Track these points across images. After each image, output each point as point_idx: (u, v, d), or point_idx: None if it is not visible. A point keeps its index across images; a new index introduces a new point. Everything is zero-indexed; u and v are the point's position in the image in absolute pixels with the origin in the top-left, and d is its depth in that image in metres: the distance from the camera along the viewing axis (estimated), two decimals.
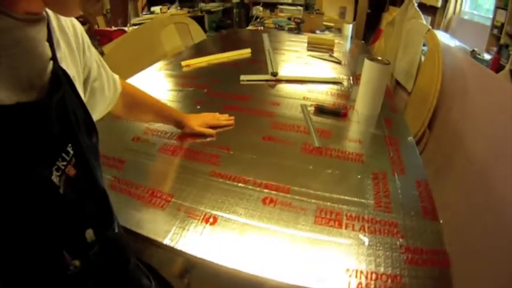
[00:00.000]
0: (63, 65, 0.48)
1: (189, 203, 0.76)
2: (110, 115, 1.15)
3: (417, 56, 2.40)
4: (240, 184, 0.83)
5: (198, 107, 1.24)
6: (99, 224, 0.51)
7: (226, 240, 0.68)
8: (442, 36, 3.41)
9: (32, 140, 0.39)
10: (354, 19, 3.99)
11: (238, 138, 1.04)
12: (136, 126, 1.09)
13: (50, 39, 0.45)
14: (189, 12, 4.30)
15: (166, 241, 0.68)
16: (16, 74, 0.38)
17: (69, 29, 0.52)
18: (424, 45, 2.36)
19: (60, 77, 0.46)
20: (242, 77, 1.51)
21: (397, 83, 2.78)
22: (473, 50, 3.58)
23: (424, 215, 0.78)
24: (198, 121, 1.04)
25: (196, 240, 0.68)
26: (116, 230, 0.56)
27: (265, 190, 0.81)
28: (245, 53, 1.92)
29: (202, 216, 0.73)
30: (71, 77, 0.48)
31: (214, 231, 0.69)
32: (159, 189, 0.81)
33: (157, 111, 0.98)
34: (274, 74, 1.52)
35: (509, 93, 1.52)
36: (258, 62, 1.77)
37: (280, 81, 1.51)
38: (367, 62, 1.22)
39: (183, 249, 0.66)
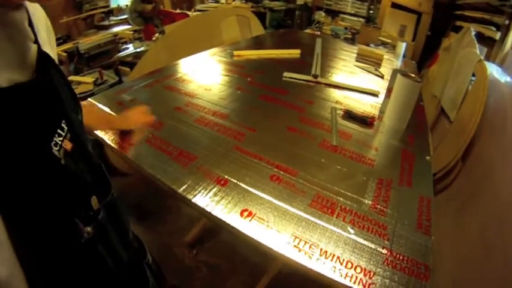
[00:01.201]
0: (45, 49, 0.50)
1: (208, 166, 0.89)
2: (163, 85, 1.31)
3: (464, 85, 2.36)
4: (255, 160, 0.94)
5: (239, 92, 1.37)
6: (100, 191, 0.57)
7: (229, 200, 0.79)
8: (494, 70, 3.29)
9: (30, 118, 0.41)
10: (413, 39, 3.94)
11: (266, 124, 1.15)
12: (181, 98, 1.23)
13: (30, 24, 0.47)
14: (252, 7, 4.45)
15: (180, 190, 0.81)
16: (5, 56, 0.40)
17: (40, 20, 0.55)
18: (473, 75, 2.33)
19: (46, 58, 0.49)
20: (285, 74, 1.61)
21: (442, 110, 2.75)
22: None
23: (418, 227, 0.82)
24: (133, 118, 1.01)
25: (205, 195, 0.80)
26: (115, 195, 0.64)
27: (275, 169, 0.91)
28: (294, 53, 2.01)
29: (215, 178, 0.85)
30: (53, 58, 0.52)
31: (221, 191, 0.81)
32: (186, 150, 0.94)
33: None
34: (315, 76, 1.61)
35: None
36: (305, 64, 1.86)
37: (319, 83, 1.60)
38: (399, 77, 1.28)
39: (192, 199, 0.78)
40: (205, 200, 0.79)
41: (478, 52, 2.53)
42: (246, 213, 0.76)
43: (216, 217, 0.75)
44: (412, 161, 1.10)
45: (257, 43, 2.29)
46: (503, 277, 1.22)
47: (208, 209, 0.76)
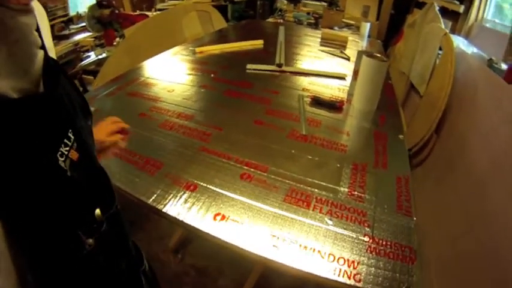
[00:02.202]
0: (52, 53, 0.49)
1: (176, 172, 0.85)
2: (126, 92, 1.26)
3: (432, 59, 2.40)
4: (223, 160, 0.91)
5: (203, 90, 1.33)
6: (104, 202, 0.55)
7: (200, 206, 0.76)
8: (460, 42, 3.36)
9: (37, 129, 0.40)
10: (378, 19, 3.97)
11: (232, 120, 1.12)
12: (145, 103, 1.19)
13: (37, 28, 0.45)
14: (213, 0, 4.37)
15: (150, 201, 0.77)
16: (12, 62, 0.39)
17: (42, 21, 0.54)
18: (440, 49, 2.36)
19: (53, 65, 0.47)
20: (249, 66, 1.58)
21: (412, 86, 2.79)
22: (491, 59, 3.52)
23: (398, 209, 0.81)
24: (103, 133, 0.90)
25: (176, 203, 0.76)
26: (118, 207, 0.61)
27: (245, 167, 0.89)
28: (257, 43, 1.99)
29: (184, 183, 0.81)
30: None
31: (192, 197, 0.78)
32: (153, 158, 0.90)
33: None
34: (280, 65, 1.59)
35: None
36: (269, 53, 1.83)
37: (284, 72, 1.58)
38: (364, 58, 1.27)
39: (163, 209, 0.75)
40: (177, 208, 0.75)
41: (443, 26, 2.57)
42: (219, 217, 0.73)
43: (188, 225, 0.72)
44: (385, 142, 1.10)
45: (220, 37, 2.25)
46: (487, 247, 1.25)
47: (180, 217, 0.73)
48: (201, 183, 0.82)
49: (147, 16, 3.35)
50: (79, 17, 3.79)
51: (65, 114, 0.46)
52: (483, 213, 1.34)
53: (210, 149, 0.95)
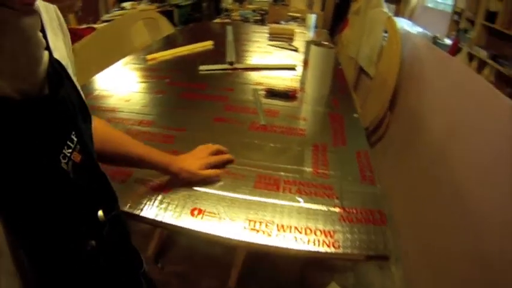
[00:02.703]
0: (56, 55, 0.48)
1: (145, 176, 0.87)
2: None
3: (378, 42, 2.53)
4: None
5: (159, 95, 1.35)
6: (106, 204, 0.55)
7: (176, 204, 0.79)
8: (404, 24, 3.57)
9: (40, 131, 0.40)
10: (323, 9, 4.11)
11: (193, 121, 1.15)
12: (103, 115, 1.18)
13: (42, 29, 0.45)
14: (158, 7, 4.34)
15: (126, 208, 0.78)
16: (17, 64, 0.39)
17: (52, 20, 0.53)
18: (385, 32, 2.50)
19: (57, 67, 0.47)
20: (201, 67, 1.61)
21: (361, 69, 2.93)
22: (435, 36, 3.75)
23: (362, 180, 0.88)
24: (196, 163, 0.86)
25: (152, 206, 0.79)
26: (120, 209, 0.62)
27: None
28: (207, 44, 2.01)
29: (157, 186, 0.84)
30: (64, 65, 0.50)
31: (166, 198, 0.80)
32: (120, 167, 0.91)
33: (134, 152, 0.80)
34: (231, 63, 1.63)
35: (463, 74, 1.66)
36: (219, 53, 1.86)
37: (236, 69, 1.62)
38: (313, 47, 1.34)
39: (140, 214, 0.77)
40: (153, 210, 0.77)
41: (386, 10, 2.71)
42: (196, 212, 0.76)
43: (168, 224, 0.74)
44: (341, 122, 1.17)
45: (169, 43, 2.25)
46: (450, 203, 1.35)
47: (158, 218, 0.75)
48: (172, 183, 0.84)
49: (94, 29, 3.27)
50: None
51: (68, 116, 0.46)
52: (444, 174, 1.46)
53: (175, 150, 0.96)
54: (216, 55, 1.84)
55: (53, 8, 0.53)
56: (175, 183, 0.84)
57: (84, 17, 4.05)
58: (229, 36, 2.17)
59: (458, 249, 1.24)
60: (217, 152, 0.92)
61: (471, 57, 3.29)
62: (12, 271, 0.39)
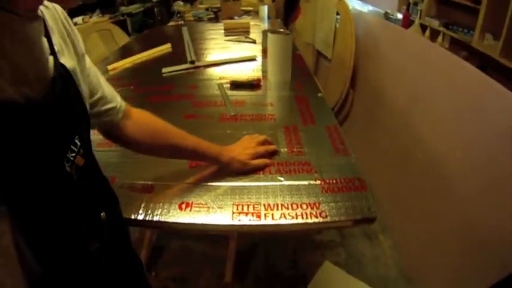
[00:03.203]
0: (62, 59, 0.49)
1: (129, 180, 0.88)
2: None
3: (332, 25, 2.59)
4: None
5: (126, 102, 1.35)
6: (108, 206, 0.57)
7: (163, 202, 0.80)
8: (355, 4, 3.67)
9: (45, 135, 0.41)
10: (273, 0, 4.15)
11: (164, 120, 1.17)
12: None
13: (47, 34, 0.46)
14: (110, 18, 4.25)
15: None
16: (22, 69, 0.39)
17: (57, 23, 0.52)
18: (338, 14, 2.57)
19: (62, 72, 0.47)
20: (164, 70, 1.62)
21: (319, 53, 3.00)
22: (386, 12, 3.87)
23: (336, 152, 0.93)
24: (245, 154, 0.88)
25: (138, 206, 0.80)
26: (121, 211, 0.64)
27: None
28: (165, 48, 2.01)
29: (140, 188, 0.85)
30: (70, 70, 0.50)
31: (152, 198, 0.82)
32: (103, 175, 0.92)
33: (185, 143, 0.81)
34: (192, 62, 1.65)
35: (418, 44, 1.74)
36: (179, 55, 1.87)
37: (198, 67, 1.65)
38: (270, 36, 1.38)
39: (131, 217, 0.78)
40: (141, 212, 0.79)
41: None
42: (184, 206, 0.78)
43: (158, 222, 0.76)
44: (307, 103, 1.22)
45: (126, 51, 2.22)
46: (419, 164, 1.43)
47: (148, 218, 0.77)
48: (156, 182, 0.86)
49: None
50: None
51: (72, 120, 0.47)
52: (411, 141, 1.54)
53: None
54: (176, 57, 1.84)
55: (60, 11, 0.53)
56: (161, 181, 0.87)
57: None
58: (186, 37, 2.18)
59: (436, 209, 1.32)
60: (264, 142, 0.94)
61: (424, 28, 3.42)
62: (18, 273, 0.39)
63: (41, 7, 0.45)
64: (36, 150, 0.39)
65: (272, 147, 0.94)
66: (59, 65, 0.47)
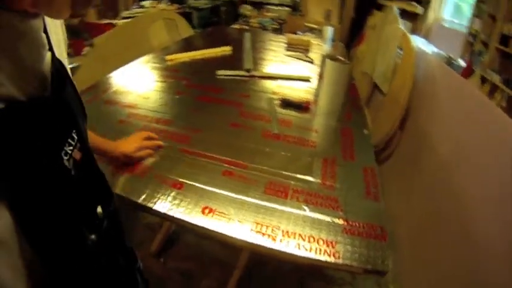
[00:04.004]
0: (57, 53, 0.50)
1: (163, 172, 0.91)
2: (102, 100, 1.30)
3: (393, 59, 2.54)
4: (204, 159, 0.98)
5: (177, 96, 1.40)
6: (104, 200, 0.58)
7: (189, 201, 0.83)
8: (420, 42, 3.58)
9: (44, 129, 0.41)
10: (340, 22, 4.15)
11: (209, 123, 1.20)
12: (122, 111, 1.23)
13: (45, 30, 0.46)
14: (178, 8, 4.41)
15: (140, 200, 0.83)
16: (22, 65, 0.40)
17: (53, 21, 0.53)
18: (400, 49, 2.52)
19: (59, 67, 0.48)
20: (219, 72, 1.66)
21: (375, 85, 2.95)
22: (449, 56, 3.75)
23: (367, 195, 0.91)
24: (131, 147, 0.95)
25: (165, 200, 0.83)
26: (116, 204, 0.65)
27: (225, 165, 0.96)
28: (226, 50, 2.06)
29: (171, 183, 0.88)
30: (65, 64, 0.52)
31: (179, 194, 0.85)
32: (139, 161, 0.96)
33: None
34: (248, 70, 1.68)
35: (474, 99, 1.68)
36: (237, 59, 1.91)
37: (253, 76, 1.66)
38: (328, 62, 1.38)
39: (153, 207, 0.81)
40: (166, 205, 0.81)
41: (402, 27, 2.74)
42: (207, 211, 0.80)
43: (179, 219, 0.78)
44: (351, 137, 1.20)
45: (188, 44, 2.30)
46: (455, 224, 1.37)
47: (170, 213, 0.79)
48: (187, 181, 0.89)
49: (114, 25, 3.34)
50: None
51: (69, 114, 0.48)
52: (447, 199, 1.47)
53: (191, 150, 1.01)
54: (234, 61, 1.88)
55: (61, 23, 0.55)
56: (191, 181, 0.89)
57: (103, 12, 4.13)
58: (247, 44, 2.22)
59: (458, 276, 1.26)
60: (147, 138, 1.01)
61: (484, 80, 3.29)
62: (17, 265, 0.40)
63: None
64: (34, 144, 0.40)
65: (157, 142, 1.02)
66: (56, 61, 0.48)
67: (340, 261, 0.71)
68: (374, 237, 0.77)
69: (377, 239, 0.77)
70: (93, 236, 0.51)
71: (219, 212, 0.80)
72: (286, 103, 1.37)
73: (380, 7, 3.95)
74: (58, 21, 0.55)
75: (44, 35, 0.45)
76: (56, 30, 0.53)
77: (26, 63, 0.41)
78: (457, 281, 1.26)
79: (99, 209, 0.55)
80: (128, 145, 0.95)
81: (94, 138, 0.86)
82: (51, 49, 0.47)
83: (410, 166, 2.02)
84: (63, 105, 0.47)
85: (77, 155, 0.48)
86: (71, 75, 0.55)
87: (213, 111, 1.30)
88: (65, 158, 0.44)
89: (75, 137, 0.48)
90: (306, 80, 1.70)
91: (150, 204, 0.82)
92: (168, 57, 1.83)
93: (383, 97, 2.68)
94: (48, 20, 0.49)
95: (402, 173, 2.09)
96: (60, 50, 0.54)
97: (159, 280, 1.61)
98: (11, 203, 0.37)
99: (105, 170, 0.90)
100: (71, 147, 0.46)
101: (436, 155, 1.73)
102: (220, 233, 0.76)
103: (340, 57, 1.42)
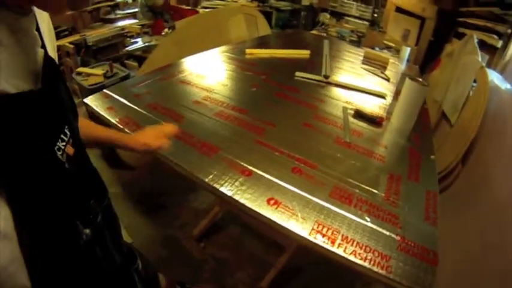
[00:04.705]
0: (49, 50, 0.51)
1: (232, 157, 0.94)
2: (178, 80, 1.35)
3: (466, 90, 2.43)
4: (276, 153, 1.00)
5: (254, 89, 1.43)
6: (97, 195, 0.59)
7: (256, 189, 0.84)
8: (495, 77, 3.38)
9: (35, 123, 0.42)
10: (417, 44, 4.02)
11: (283, 119, 1.21)
12: (198, 92, 1.28)
13: (37, 28, 0.47)
14: (258, 5, 4.50)
15: (207, 180, 0.86)
16: (15, 62, 0.41)
17: (43, 19, 0.54)
18: (475, 81, 2.41)
19: (51, 64, 0.49)
20: (297, 73, 1.67)
21: (443, 114, 2.83)
22: None
23: (426, 219, 0.89)
24: (147, 136, 0.90)
25: (232, 184, 0.85)
26: (110, 200, 0.66)
27: (296, 162, 0.97)
28: (304, 53, 2.07)
29: (240, 169, 0.90)
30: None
31: (247, 181, 0.87)
32: (209, 142, 0.99)
33: (103, 135, 0.84)
34: (326, 77, 1.67)
35: None
36: (314, 64, 1.92)
37: (330, 83, 1.66)
38: (407, 81, 1.34)
39: (219, 189, 0.84)
40: (232, 189, 0.84)
41: (479, 59, 2.61)
42: (272, 202, 0.81)
43: (243, 205, 0.80)
44: (418, 159, 1.16)
45: (264, 43, 2.34)
46: (501, 273, 1.29)
47: (236, 197, 0.82)
48: (256, 171, 0.91)
49: (197, 12, 3.47)
50: (126, 4, 3.95)
51: (61, 110, 0.50)
52: (501, 242, 1.38)
53: (264, 142, 1.03)
54: (311, 65, 1.89)
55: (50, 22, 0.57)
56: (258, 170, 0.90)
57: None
58: (326, 50, 2.22)
59: None
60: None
61: None
62: (18, 256, 0.40)
63: None
64: (27, 138, 0.40)
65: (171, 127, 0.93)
66: (48, 58, 0.49)
67: (391, 275, 0.70)
68: (426, 260, 0.76)
69: (428, 262, 0.75)
70: (87, 231, 0.52)
71: (284, 206, 0.81)
72: (360, 114, 1.35)
73: (459, 35, 3.79)
74: (46, 20, 0.56)
75: (36, 33, 0.46)
76: (44, 29, 0.54)
77: (19, 60, 0.42)
78: None
79: (92, 203, 0.56)
80: (145, 134, 0.91)
81: (115, 133, 0.88)
82: (43, 46, 0.48)
83: (466, 203, 1.92)
84: (55, 101, 0.48)
85: (70, 150, 0.49)
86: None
87: (288, 108, 1.31)
88: (59, 153, 0.45)
89: (68, 133, 0.49)
90: (382, 96, 1.67)
91: (216, 185, 0.85)
92: (248, 50, 1.87)
93: (449, 127, 2.56)
94: (39, 20, 0.50)
95: (456, 209, 1.98)
96: (50, 48, 0.54)
97: (195, 262, 1.66)
98: (8, 195, 0.38)
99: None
100: (64, 143, 0.47)
101: (495, 195, 1.63)
102: (282, 226, 0.77)
103: (419, 79, 1.37)
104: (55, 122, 0.47)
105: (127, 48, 3.07)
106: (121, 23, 3.57)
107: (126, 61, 3.15)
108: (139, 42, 3.13)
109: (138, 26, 3.37)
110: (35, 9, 0.48)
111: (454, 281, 1.59)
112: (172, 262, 1.64)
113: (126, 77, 2.43)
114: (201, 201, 1.99)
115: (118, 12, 3.86)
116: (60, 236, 0.47)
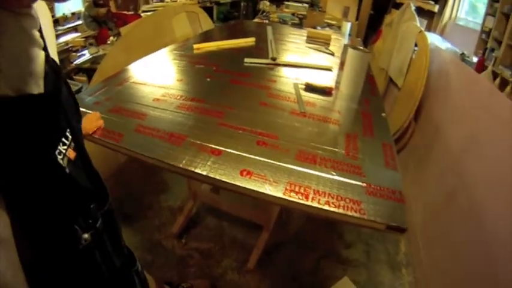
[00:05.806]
0: (51, 52, 0.50)
1: (200, 141, 1.00)
2: (134, 82, 1.38)
3: (408, 55, 2.61)
4: (239, 131, 1.07)
5: (208, 79, 1.48)
6: (98, 200, 0.58)
7: (228, 165, 0.91)
8: (435, 39, 3.63)
9: (37, 127, 0.41)
10: (357, 19, 4.21)
11: (240, 102, 1.29)
12: (157, 90, 1.32)
13: (40, 30, 0.47)
14: (199, 2, 4.50)
15: (181, 165, 0.91)
16: (15, 63, 0.40)
17: (44, 19, 0.57)
18: (416, 45, 2.58)
19: (53, 66, 0.48)
20: (246, 60, 1.74)
21: (391, 80, 3.01)
22: (463, 53, 3.79)
23: (386, 165, 0.99)
24: (92, 124, 1.03)
25: (205, 165, 0.91)
26: (112, 204, 0.66)
27: (259, 136, 1.05)
28: (250, 41, 2.14)
29: (210, 150, 0.96)
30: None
31: (218, 160, 0.93)
32: (175, 132, 1.04)
33: None
34: (274, 59, 1.76)
35: (485, 91, 1.74)
36: (261, 50, 2.00)
37: (278, 65, 1.75)
38: (349, 50, 1.45)
39: (194, 170, 0.89)
40: (206, 169, 0.89)
41: (418, 24, 2.79)
42: (245, 173, 0.88)
43: (219, 180, 0.86)
44: (370, 118, 1.28)
45: (209, 37, 2.38)
46: (468, 212, 1.43)
47: (211, 175, 0.87)
48: (225, 149, 0.97)
49: (139, 16, 3.44)
50: (65, 19, 3.83)
51: (63, 114, 0.48)
52: (461, 182, 1.53)
53: (227, 123, 1.10)
54: (258, 51, 1.97)
55: (44, 4, 0.60)
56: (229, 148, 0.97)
57: (124, 4, 4.21)
58: (270, 35, 2.30)
59: (469, 265, 1.31)
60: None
61: (495, 75, 3.33)
62: (17, 263, 0.40)
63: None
64: (27, 143, 0.40)
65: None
66: (50, 60, 0.48)
67: (365, 217, 0.79)
68: (394, 199, 0.85)
69: (396, 201, 0.85)
70: (86, 235, 0.51)
71: (256, 174, 0.88)
72: (310, 88, 1.45)
73: (397, 5, 4.01)
74: (48, 23, 0.57)
75: (38, 34, 0.46)
76: (46, 31, 0.56)
77: (19, 61, 0.41)
78: (468, 259, 1.31)
79: (94, 207, 0.55)
80: (89, 123, 1.01)
81: None
82: (45, 49, 0.48)
83: (424, 155, 2.09)
84: (56, 104, 0.47)
85: (72, 154, 0.48)
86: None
87: (243, 92, 1.39)
88: (59, 157, 0.45)
89: (70, 136, 0.48)
90: (328, 69, 1.77)
91: (190, 168, 0.90)
92: (196, 45, 1.91)
93: (398, 91, 2.74)
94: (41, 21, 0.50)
95: (416, 163, 2.15)
96: (51, 50, 0.55)
97: (180, 259, 1.69)
98: (5, 200, 0.38)
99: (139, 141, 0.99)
100: (65, 147, 0.46)
101: (449, 144, 1.79)
102: (259, 192, 0.83)
103: (361, 47, 1.49)
104: (56, 126, 0.46)
105: (74, 63, 3.00)
106: (63, 39, 3.46)
107: (75, 76, 3.09)
108: (86, 55, 3.08)
109: (82, 39, 3.30)
110: (36, 10, 0.47)
111: (425, 227, 1.74)
112: (158, 264, 1.66)
113: (79, 91, 2.39)
114: (174, 200, 2.02)
115: (59, 28, 3.73)
116: (58, 241, 0.47)
